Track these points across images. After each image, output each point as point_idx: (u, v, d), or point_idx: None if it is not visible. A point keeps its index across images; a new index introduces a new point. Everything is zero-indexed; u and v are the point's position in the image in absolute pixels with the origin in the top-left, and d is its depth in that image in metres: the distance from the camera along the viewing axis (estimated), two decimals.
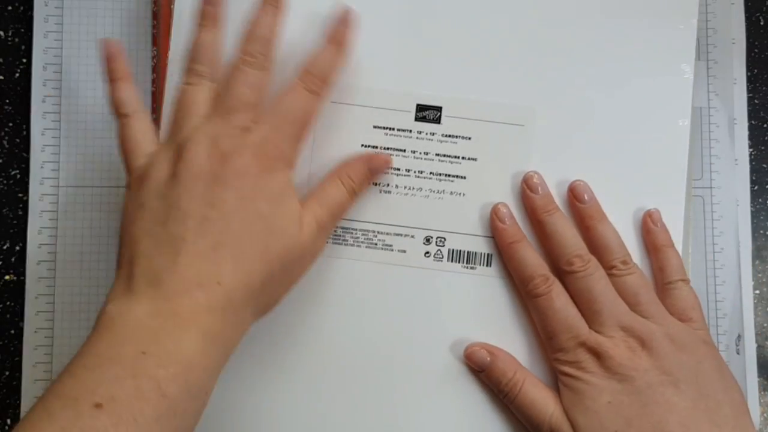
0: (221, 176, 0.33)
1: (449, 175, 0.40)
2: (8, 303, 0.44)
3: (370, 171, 0.38)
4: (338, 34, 0.38)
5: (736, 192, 0.45)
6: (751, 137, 0.46)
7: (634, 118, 0.40)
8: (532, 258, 0.38)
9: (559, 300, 0.37)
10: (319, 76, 0.36)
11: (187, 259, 0.31)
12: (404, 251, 0.40)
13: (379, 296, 0.40)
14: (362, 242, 0.40)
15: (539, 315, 0.37)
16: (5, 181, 0.45)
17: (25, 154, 0.45)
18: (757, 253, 0.45)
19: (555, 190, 0.39)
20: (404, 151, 0.40)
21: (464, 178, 0.40)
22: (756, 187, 0.46)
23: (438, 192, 0.40)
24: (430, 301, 0.39)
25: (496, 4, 0.41)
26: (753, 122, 0.46)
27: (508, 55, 0.40)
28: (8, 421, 0.43)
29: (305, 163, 0.40)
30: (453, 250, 0.40)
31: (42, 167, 0.45)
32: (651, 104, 0.40)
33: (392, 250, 0.40)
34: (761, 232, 0.46)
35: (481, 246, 0.40)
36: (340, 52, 0.38)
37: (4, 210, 0.45)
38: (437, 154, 0.40)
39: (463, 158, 0.40)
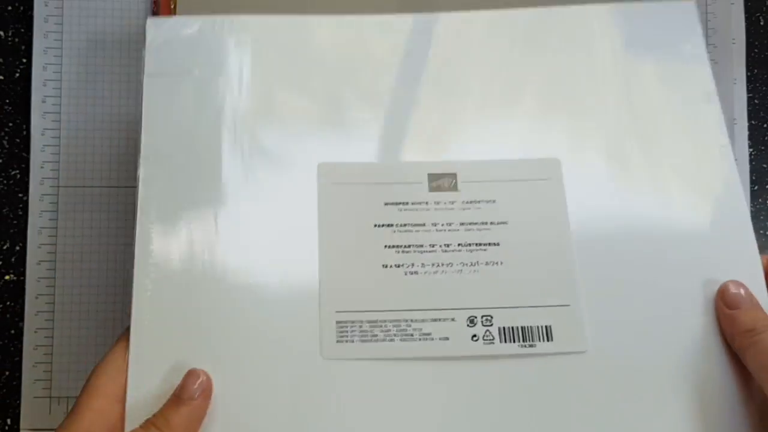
0: None
1: (480, 244, 0.35)
2: (8, 303, 0.44)
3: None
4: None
5: None
6: (751, 137, 0.46)
7: (666, 148, 0.37)
8: None
9: None
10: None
11: None
12: (447, 338, 0.34)
13: (426, 401, 0.33)
14: (395, 335, 0.34)
15: None
16: (5, 181, 0.45)
17: (25, 154, 0.45)
18: None
19: (596, 238, 0.36)
20: (424, 225, 0.36)
21: (498, 244, 0.35)
22: (756, 187, 0.46)
23: (471, 264, 0.35)
24: (489, 394, 0.33)
25: (494, 57, 0.38)
26: (753, 122, 0.46)
27: (518, 107, 0.38)
28: (8, 421, 0.43)
29: (311, 260, 0.35)
30: (504, 327, 0.34)
31: (42, 167, 0.45)
32: (686, 129, 0.37)
33: (432, 339, 0.34)
34: (761, 232, 0.46)
35: (535, 318, 0.34)
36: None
37: (4, 210, 0.45)
38: (462, 224, 0.36)
39: (491, 223, 0.36)
